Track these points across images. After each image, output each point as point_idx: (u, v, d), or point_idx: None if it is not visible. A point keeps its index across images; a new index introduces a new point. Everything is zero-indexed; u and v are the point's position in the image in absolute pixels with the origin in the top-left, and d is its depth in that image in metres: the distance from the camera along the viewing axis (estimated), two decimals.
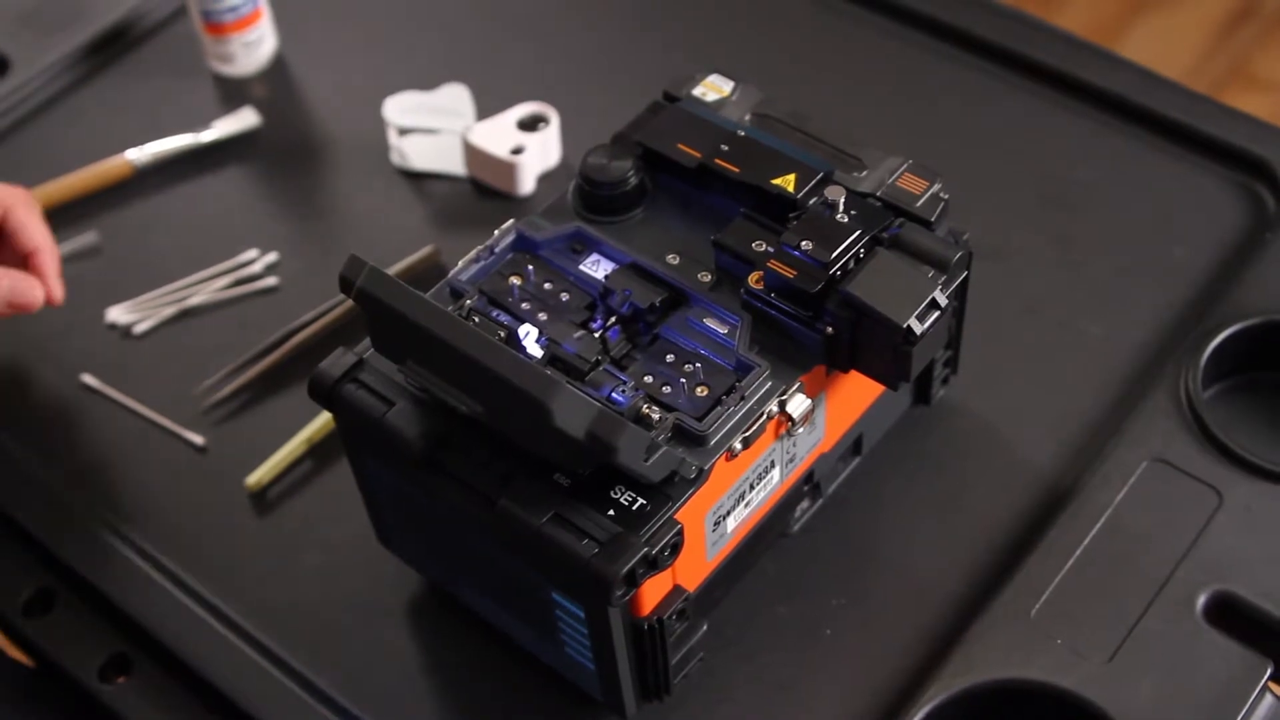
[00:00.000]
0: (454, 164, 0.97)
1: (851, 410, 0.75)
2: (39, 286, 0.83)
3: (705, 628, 0.68)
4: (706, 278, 0.70)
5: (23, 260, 0.85)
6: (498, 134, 0.95)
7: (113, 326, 0.91)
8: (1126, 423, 0.78)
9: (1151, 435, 0.77)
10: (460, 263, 0.71)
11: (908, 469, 0.80)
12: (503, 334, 0.66)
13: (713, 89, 0.77)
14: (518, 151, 0.94)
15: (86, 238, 0.95)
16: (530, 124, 0.96)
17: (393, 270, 0.88)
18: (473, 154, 0.95)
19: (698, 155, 0.72)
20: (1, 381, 0.89)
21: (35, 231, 0.85)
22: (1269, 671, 0.68)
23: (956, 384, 0.82)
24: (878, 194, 0.70)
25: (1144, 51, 1.89)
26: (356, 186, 0.98)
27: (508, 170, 0.94)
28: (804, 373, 0.66)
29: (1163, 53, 1.98)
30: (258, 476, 0.81)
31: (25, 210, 0.85)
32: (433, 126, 0.98)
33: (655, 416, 0.63)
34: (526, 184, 0.95)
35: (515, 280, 0.70)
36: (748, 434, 0.64)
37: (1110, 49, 1.01)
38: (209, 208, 0.98)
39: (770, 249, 0.68)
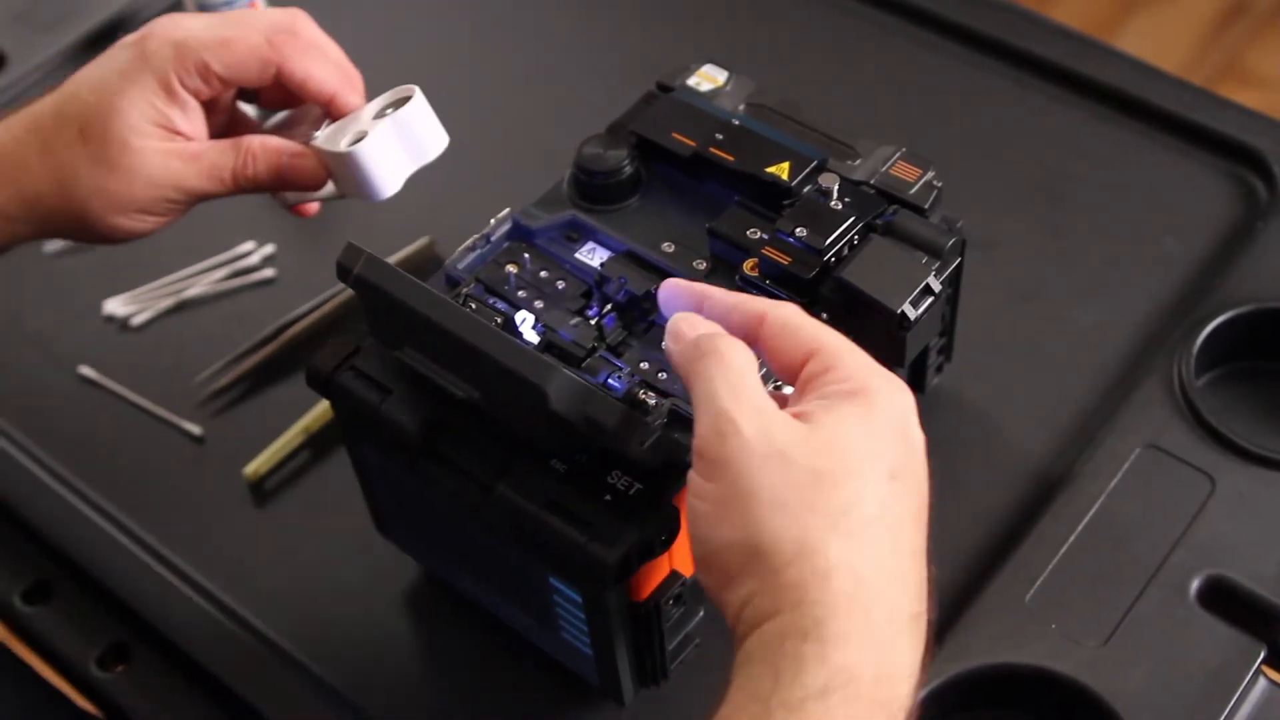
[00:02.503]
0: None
1: None
2: (320, 166, 0.70)
3: (702, 613, 0.69)
4: (701, 265, 0.70)
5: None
6: (346, 129, 0.71)
7: (110, 318, 0.91)
8: (1120, 410, 0.79)
9: (1145, 422, 0.78)
10: (456, 251, 0.71)
11: None
12: (499, 321, 0.66)
13: (707, 79, 0.77)
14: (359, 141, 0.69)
15: None
16: (384, 112, 0.71)
17: (390, 261, 0.88)
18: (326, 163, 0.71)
19: (692, 144, 0.73)
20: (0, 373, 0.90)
21: (321, 74, 0.70)
22: (1262, 655, 0.69)
23: (950, 372, 0.82)
24: (871, 182, 0.71)
25: (1137, 48, 1.88)
26: None
27: (348, 167, 0.70)
28: None
29: (1156, 49, 1.99)
30: (255, 466, 0.82)
31: (305, 53, 0.70)
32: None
33: (651, 402, 0.63)
34: (383, 182, 0.71)
35: (511, 268, 0.70)
36: None
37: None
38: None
39: (765, 236, 0.69)
